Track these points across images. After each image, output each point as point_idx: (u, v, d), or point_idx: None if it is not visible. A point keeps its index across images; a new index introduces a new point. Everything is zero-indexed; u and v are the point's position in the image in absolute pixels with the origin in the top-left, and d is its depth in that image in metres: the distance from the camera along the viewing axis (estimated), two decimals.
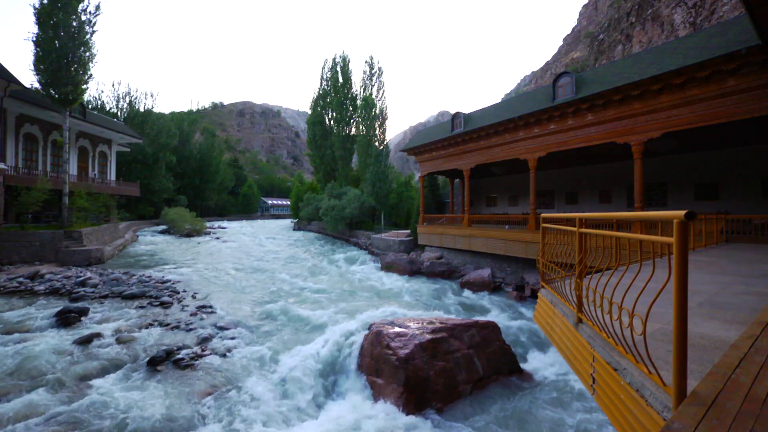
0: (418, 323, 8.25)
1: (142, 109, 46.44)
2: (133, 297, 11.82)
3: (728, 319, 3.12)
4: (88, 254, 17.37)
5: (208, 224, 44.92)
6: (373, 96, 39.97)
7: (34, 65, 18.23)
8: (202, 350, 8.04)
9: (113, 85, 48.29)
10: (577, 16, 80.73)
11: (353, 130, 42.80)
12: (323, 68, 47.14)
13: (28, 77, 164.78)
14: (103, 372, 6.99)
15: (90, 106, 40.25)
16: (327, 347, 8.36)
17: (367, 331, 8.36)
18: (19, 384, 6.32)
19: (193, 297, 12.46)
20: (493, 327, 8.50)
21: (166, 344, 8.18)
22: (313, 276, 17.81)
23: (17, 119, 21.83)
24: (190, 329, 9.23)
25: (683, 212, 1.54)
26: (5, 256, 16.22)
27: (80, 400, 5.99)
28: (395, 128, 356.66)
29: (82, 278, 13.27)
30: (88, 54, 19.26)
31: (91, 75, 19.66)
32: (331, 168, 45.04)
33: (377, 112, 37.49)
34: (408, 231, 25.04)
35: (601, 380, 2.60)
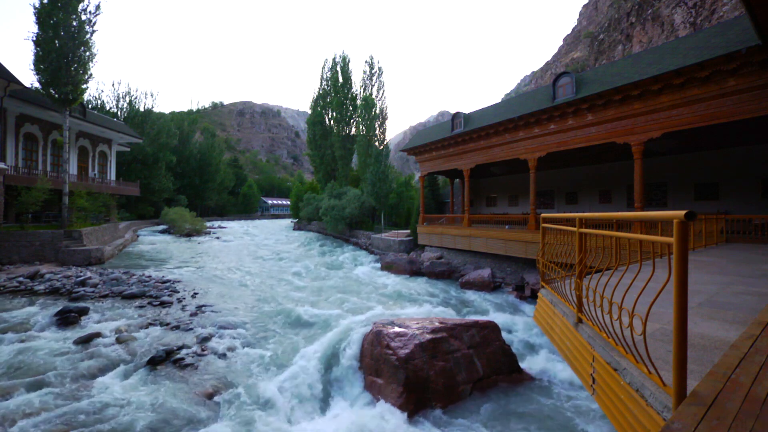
0: (418, 323, 8.25)
1: (142, 109, 46.40)
2: (133, 297, 11.82)
3: (728, 319, 3.12)
4: (88, 254, 17.36)
5: (208, 224, 44.94)
6: (373, 96, 39.93)
7: (34, 65, 18.22)
8: (202, 350, 8.04)
9: (113, 85, 48.22)
10: (577, 16, 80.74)
11: (353, 130, 42.79)
12: (323, 68, 47.15)
13: (28, 77, 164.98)
14: (103, 371, 6.99)
15: (90, 106, 40.22)
16: (326, 347, 8.35)
17: (367, 331, 8.36)
18: (19, 383, 6.32)
19: (193, 297, 12.46)
20: (493, 327, 8.50)
21: (166, 344, 8.18)
22: (313, 276, 17.81)
23: (17, 119, 21.81)
24: (190, 329, 9.23)
25: (683, 212, 1.54)
26: (5, 255, 16.21)
27: (80, 400, 6.00)
28: (395, 128, 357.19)
29: (82, 278, 13.26)
30: (88, 54, 19.25)
31: (91, 75, 19.64)
32: (331, 168, 45.03)
33: (377, 112, 37.47)
34: (408, 231, 25.04)
35: (601, 380, 2.60)
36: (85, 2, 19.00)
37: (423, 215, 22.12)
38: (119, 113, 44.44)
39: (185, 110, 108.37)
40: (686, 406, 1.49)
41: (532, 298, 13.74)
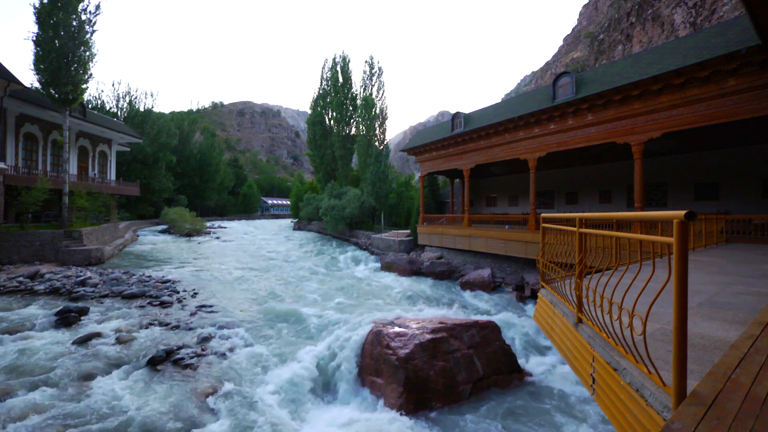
0: (418, 323, 8.26)
1: (142, 109, 46.42)
2: (133, 297, 11.82)
3: (728, 319, 3.12)
4: (88, 254, 17.36)
5: (208, 224, 44.93)
6: (373, 96, 39.92)
7: (34, 65, 18.22)
8: (202, 350, 8.04)
9: (113, 85, 48.29)
10: (577, 16, 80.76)
11: (353, 130, 42.79)
12: (323, 68, 47.16)
13: (28, 77, 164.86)
14: (103, 371, 6.99)
15: (90, 106, 40.22)
16: (327, 347, 8.36)
17: (366, 331, 8.36)
18: (19, 383, 6.32)
19: (193, 296, 12.47)
20: (492, 327, 8.50)
21: (166, 344, 8.18)
22: (313, 276, 17.81)
23: (17, 119, 21.80)
24: (190, 329, 9.24)
25: (683, 212, 1.54)
26: (5, 255, 16.21)
27: (80, 400, 6.00)
28: (395, 128, 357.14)
29: (82, 278, 13.26)
30: (88, 53, 19.24)
31: (91, 74, 19.64)
32: (331, 168, 45.03)
33: (377, 111, 37.45)
34: (408, 231, 25.04)
35: (601, 380, 2.60)
36: (85, 2, 19.00)
37: (423, 215, 22.12)
38: (119, 113, 44.45)
39: (185, 110, 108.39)
40: (686, 406, 1.49)
41: (532, 298, 13.74)
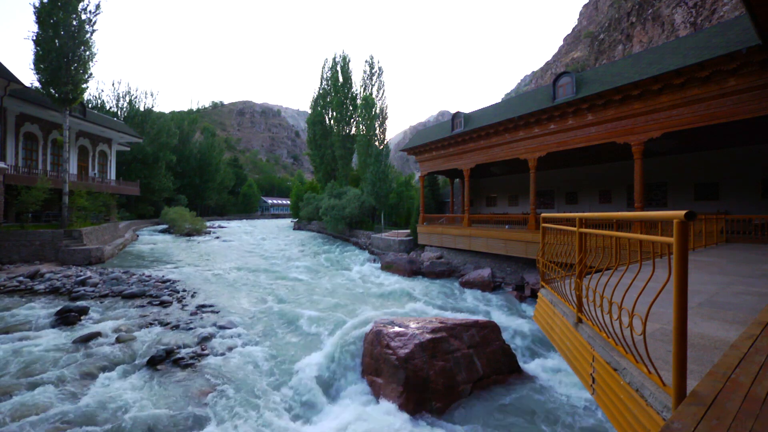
0: (418, 323, 8.25)
1: (142, 109, 46.41)
2: (133, 296, 11.83)
3: (728, 319, 3.12)
4: (88, 253, 17.36)
5: (208, 223, 44.94)
6: (373, 95, 39.89)
7: (34, 64, 18.21)
8: (202, 350, 8.04)
9: (113, 85, 48.17)
10: (578, 16, 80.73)
11: (353, 129, 42.79)
12: (323, 68, 47.13)
13: (28, 76, 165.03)
14: (103, 371, 6.99)
15: (90, 106, 40.21)
16: (326, 347, 8.36)
17: (366, 331, 8.36)
18: (19, 383, 6.32)
19: (193, 296, 12.47)
20: (492, 327, 8.50)
21: (166, 343, 8.18)
22: (313, 275, 17.81)
23: (17, 118, 21.81)
24: (190, 328, 9.24)
25: (683, 212, 1.54)
26: (5, 255, 16.21)
27: (80, 399, 6.00)
28: (395, 128, 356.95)
29: (82, 277, 13.26)
30: (88, 53, 19.24)
31: (91, 74, 19.63)
32: (331, 168, 45.02)
33: (377, 111, 37.43)
34: (408, 231, 25.04)
35: (601, 380, 2.60)
36: (85, 2, 18.99)
37: (423, 215, 22.11)
38: (119, 113, 44.43)
39: (185, 110, 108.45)
40: (686, 406, 1.49)
41: (532, 297, 13.74)
